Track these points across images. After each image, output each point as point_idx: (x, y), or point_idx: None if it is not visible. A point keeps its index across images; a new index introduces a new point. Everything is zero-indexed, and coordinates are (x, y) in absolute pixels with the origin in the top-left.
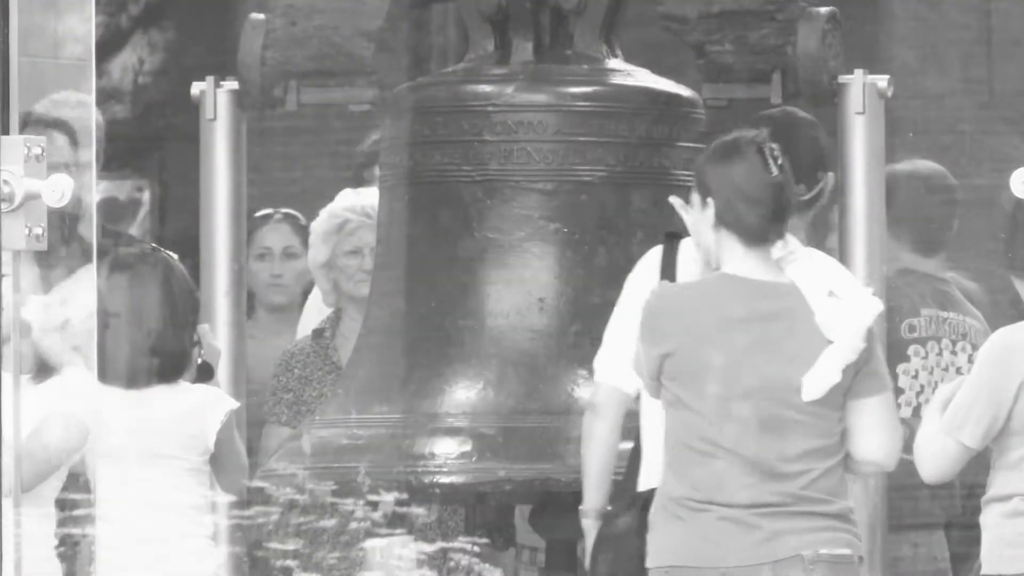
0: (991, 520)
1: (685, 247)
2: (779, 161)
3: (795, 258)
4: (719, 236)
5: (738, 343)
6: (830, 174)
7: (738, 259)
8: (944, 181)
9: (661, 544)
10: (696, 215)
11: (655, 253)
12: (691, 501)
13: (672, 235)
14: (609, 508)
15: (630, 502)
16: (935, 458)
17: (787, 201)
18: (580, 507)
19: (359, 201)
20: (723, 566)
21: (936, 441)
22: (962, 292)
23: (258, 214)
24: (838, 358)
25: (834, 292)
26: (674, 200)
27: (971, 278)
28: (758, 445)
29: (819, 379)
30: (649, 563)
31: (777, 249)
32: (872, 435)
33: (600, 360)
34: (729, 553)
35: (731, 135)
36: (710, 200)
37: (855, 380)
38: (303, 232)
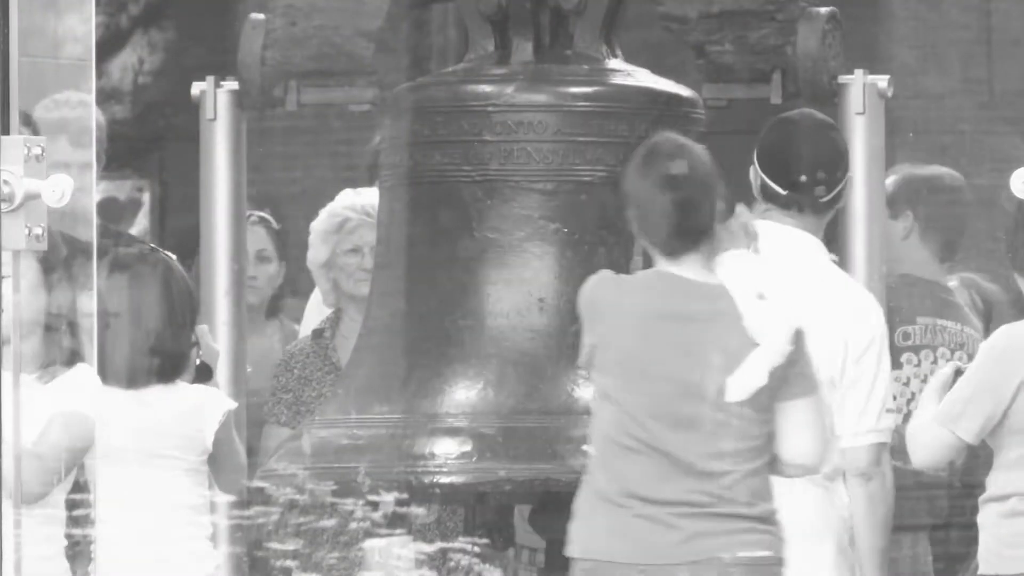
0: (989, 520)
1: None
2: (679, 173)
3: (729, 258)
4: (641, 243)
5: (665, 340)
6: (849, 175)
7: (666, 262)
8: (960, 185)
9: (583, 536)
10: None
11: None
12: (613, 495)
13: None
14: None
15: None
16: (928, 447)
17: (691, 213)
18: None
19: (359, 200)
20: (640, 563)
21: (931, 430)
22: (980, 295)
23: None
24: (764, 361)
25: (763, 295)
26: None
27: (990, 280)
28: (681, 443)
29: (744, 381)
30: (569, 552)
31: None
32: (799, 437)
33: None
34: (647, 551)
35: (647, 142)
36: (630, 212)
37: (783, 382)
38: (276, 236)
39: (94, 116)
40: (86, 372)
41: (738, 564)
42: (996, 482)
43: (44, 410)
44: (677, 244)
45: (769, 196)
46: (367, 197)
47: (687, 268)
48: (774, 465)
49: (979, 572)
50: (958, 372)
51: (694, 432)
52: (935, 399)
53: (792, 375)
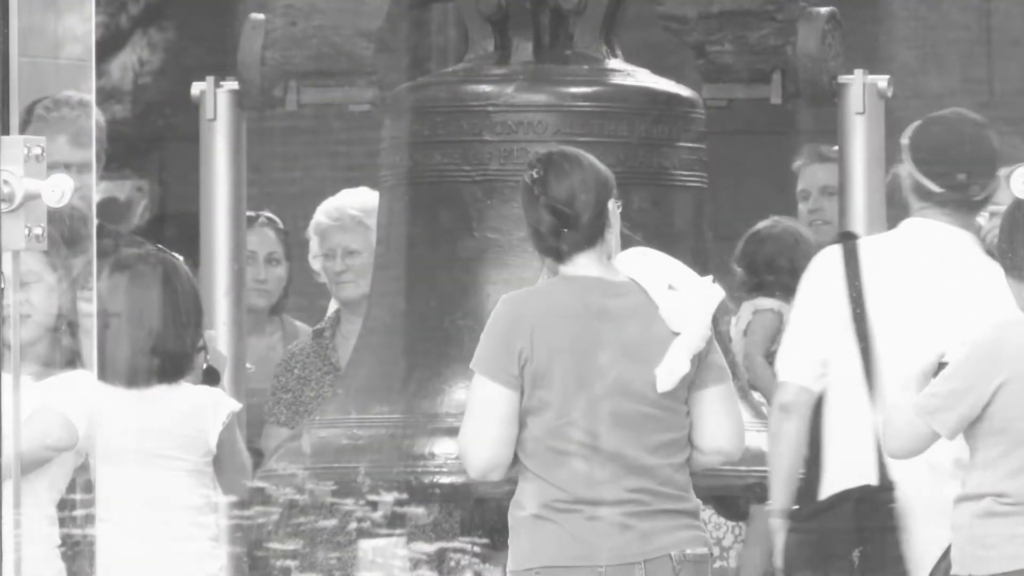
0: (962, 520)
1: (865, 245)
2: (539, 178)
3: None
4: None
5: (588, 342)
6: (1000, 174)
7: (568, 266)
8: None
9: (532, 547)
10: None
11: (832, 253)
12: (559, 503)
13: (848, 235)
14: (795, 507)
15: (817, 504)
16: (903, 436)
17: (563, 218)
18: (768, 506)
19: (334, 203)
20: (596, 565)
21: (907, 419)
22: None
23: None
24: (685, 348)
25: (673, 285)
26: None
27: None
28: (618, 441)
29: (671, 369)
30: (516, 566)
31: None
32: (717, 424)
33: (784, 360)
34: (602, 552)
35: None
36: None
37: (697, 371)
38: (283, 237)
39: (94, 116)
40: (84, 377)
41: (685, 561)
42: (971, 482)
43: (30, 405)
44: (557, 250)
45: (924, 195)
46: (340, 200)
47: (591, 268)
48: (691, 456)
49: (952, 572)
50: (941, 364)
51: (629, 428)
52: (914, 387)
53: (705, 363)
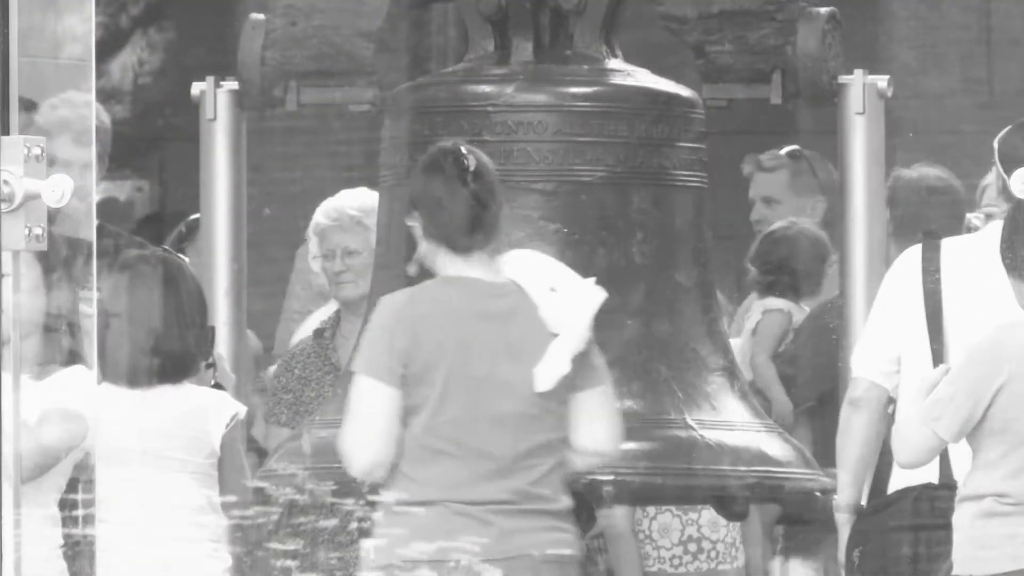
0: (963, 520)
1: (948, 246)
2: (472, 168)
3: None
4: (430, 246)
5: (468, 342)
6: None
7: (454, 264)
8: (950, 185)
9: (391, 542)
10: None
11: (914, 252)
12: (425, 500)
13: (931, 233)
14: (863, 504)
15: (886, 499)
16: (910, 445)
17: (484, 208)
18: (834, 501)
19: (333, 203)
20: (449, 560)
21: (914, 428)
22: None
23: (192, 217)
24: (566, 348)
25: (555, 287)
26: None
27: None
28: (494, 440)
29: (550, 369)
30: (381, 561)
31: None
32: (596, 424)
33: (858, 356)
34: (464, 547)
35: (433, 147)
36: (415, 213)
37: (577, 373)
38: None
39: (94, 116)
40: (82, 373)
41: (547, 561)
42: (972, 482)
43: (33, 404)
44: (470, 241)
45: (1008, 197)
46: (339, 200)
47: (475, 268)
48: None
49: (953, 572)
50: (947, 373)
51: (506, 428)
52: (922, 398)
53: (584, 365)
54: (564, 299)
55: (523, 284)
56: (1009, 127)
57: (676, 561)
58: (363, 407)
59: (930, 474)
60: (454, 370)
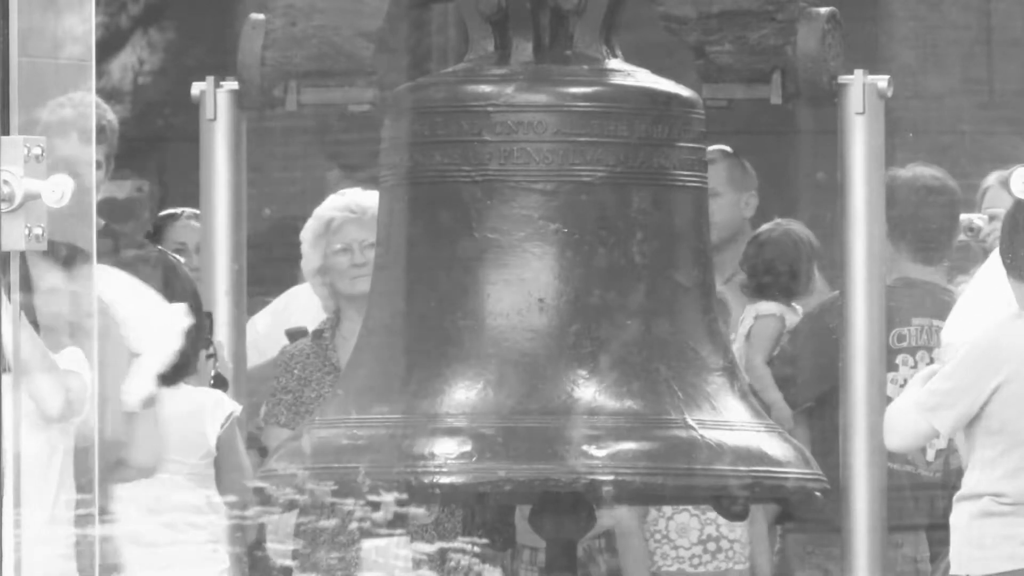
0: (961, 520)
1: None
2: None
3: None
4: None
5: None
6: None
7: None
8: (945, 185)
9: None
10: None
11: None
12: None
13: None
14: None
15: None
16: (903, 430)
17: None
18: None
19: (342, 200)
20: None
21: (909, 415)
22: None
23: (163, 213)
24: (149, 367)
25: (139, 307)
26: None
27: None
28: None
29: (135, 389)
30: None
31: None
32: None
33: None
34: None
35: None
36: None
37: None
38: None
39: (94, 116)
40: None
41: None
42: (970, 482)
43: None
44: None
45: None
46: (351, 196)
47: None
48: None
49: (950, 572)
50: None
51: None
52: (919, 386)
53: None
54: (149, 319)
55: (109, 303)
56: None
57: (696, 560)
58: None
59: None
60: None
